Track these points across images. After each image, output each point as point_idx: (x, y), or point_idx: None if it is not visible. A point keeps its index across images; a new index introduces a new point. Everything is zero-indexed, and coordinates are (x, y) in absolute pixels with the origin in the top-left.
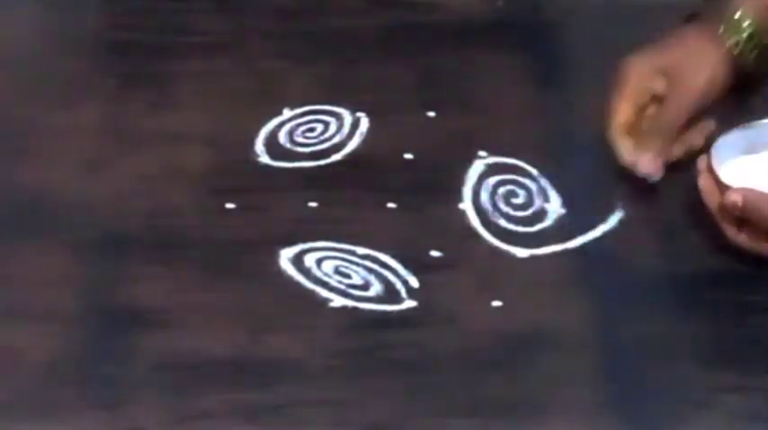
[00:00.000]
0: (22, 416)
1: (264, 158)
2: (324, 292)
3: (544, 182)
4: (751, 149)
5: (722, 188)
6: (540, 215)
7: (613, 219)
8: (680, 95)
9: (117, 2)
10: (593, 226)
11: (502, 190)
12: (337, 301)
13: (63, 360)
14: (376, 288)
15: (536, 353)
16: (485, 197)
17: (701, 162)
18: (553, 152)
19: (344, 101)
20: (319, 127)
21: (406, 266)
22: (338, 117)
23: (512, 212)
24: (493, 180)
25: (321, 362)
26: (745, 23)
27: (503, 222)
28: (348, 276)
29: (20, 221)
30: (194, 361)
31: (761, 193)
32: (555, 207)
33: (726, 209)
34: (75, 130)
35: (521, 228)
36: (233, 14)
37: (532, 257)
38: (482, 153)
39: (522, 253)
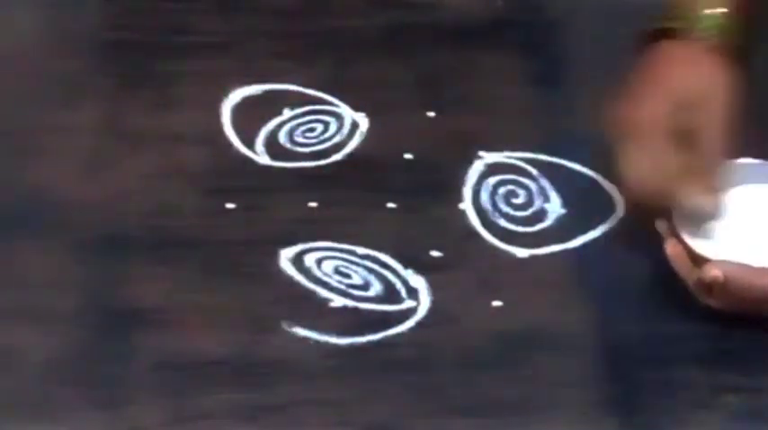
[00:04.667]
0: (22, 416)
1: (264, 158)
2: (324, 292)
3: (544, 182)
4: None
5: (694, 257)
6: (540, 215)
7: (613, 219)
8: (714, 120)
9: (117, 2)
10: (593, 226)
11: (502, 190)
12: (337, 301)
13: (63, 360)
14: (376, 288)
15: (536, 353)
16: (485, 197)
17: (660, 226)
18: (553, 152)
19: (344, 101)
20: (319, 127)
21: (406, 266)
22: (338, 117)
23: (512, 212)
24: (493, 180)
25: (321, 363)
26: (711, 19)
27: (503, 222)
28: (348, 276)
29: (20, 221)
30: (194, 361)
31: (738, 267)
32: (555, 207)
33: (704, 283)
34: (75, 130)
35: (521, 228)
36: (233, 14)
37: (532, 257)
38: (482, 153)
39: (522, 253)
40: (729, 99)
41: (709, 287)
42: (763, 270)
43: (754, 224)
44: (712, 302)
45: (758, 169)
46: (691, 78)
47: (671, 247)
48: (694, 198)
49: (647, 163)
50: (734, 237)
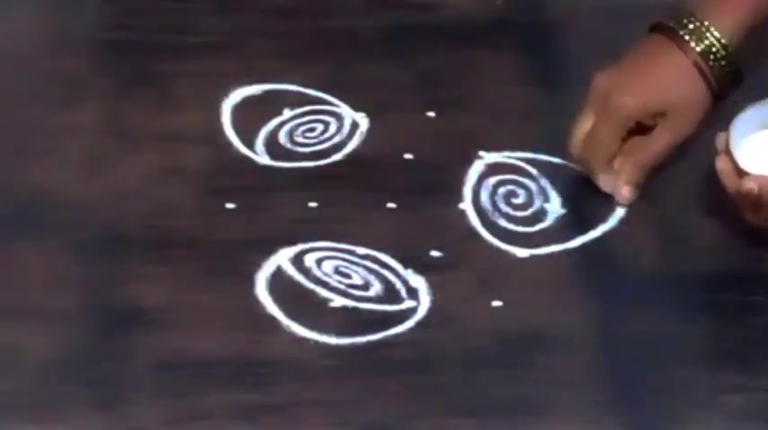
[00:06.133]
0: (22, 416)
1: (264, 158)
2: (324, 292)
3: (544, 182)
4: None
5: (739, 172)
6: (540, 215)
7: (613, 219)
8: (672, 132)
9: (117, 2)
10: (593, 226)
11: (502, 190)
12: (337, 301)
13: (63, 360)
14: (376, 288)
15: (536, 353)
16: (485, 197)
17: (720, 141)
18: (553, 152)
19: (344, 101)
20: (319, 127)
21: (406, 266)
22: (338, 117)
23: (512, 212)
24: (493, 180)
25: (321, 362)
26: (714, 32)
27: (503, 222)
28: (348, 276)
29: (20, 221)
30: (194, 361)
31: None
32: (555, 207)
33: (743, 195)
34: (75, 130)
35: (521, 228)
36: (233, 14)
37: (532, 257)
38: (482, 153)
39: (522, 253)
40: (692, 119)
41: (749, 199)
42: None
43: None
44: (753, 219)
45: None
46: (669, 83)
47: (721, 163)
48: (612, 184)
49: (585, 130)
50: None
